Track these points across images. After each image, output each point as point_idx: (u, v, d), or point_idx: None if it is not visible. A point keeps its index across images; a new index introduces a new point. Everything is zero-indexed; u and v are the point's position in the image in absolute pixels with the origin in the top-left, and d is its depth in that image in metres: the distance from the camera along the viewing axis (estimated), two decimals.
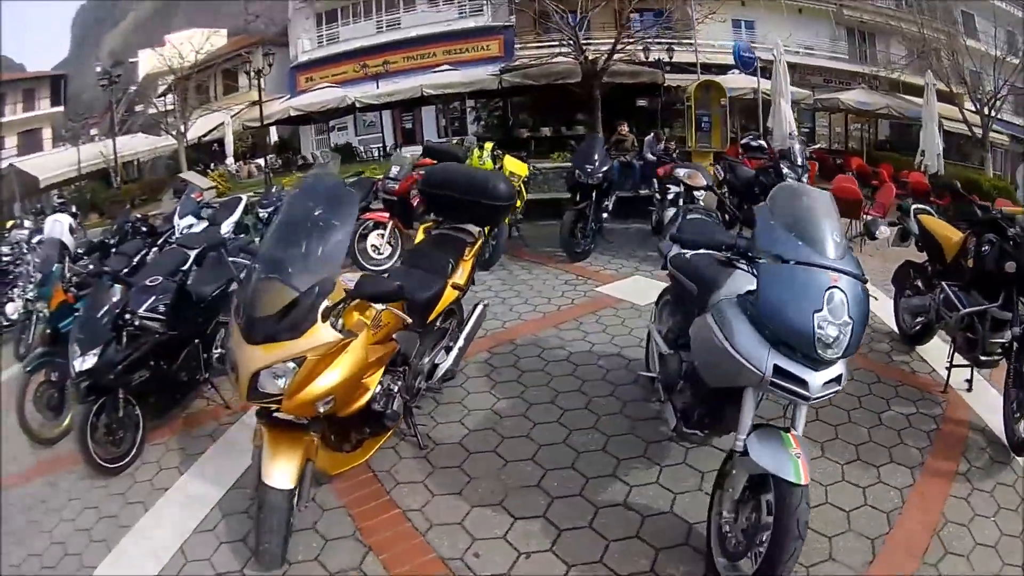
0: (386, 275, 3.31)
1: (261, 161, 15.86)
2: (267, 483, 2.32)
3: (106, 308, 3.33)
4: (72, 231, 6.62)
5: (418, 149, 9.80)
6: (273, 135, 17.23)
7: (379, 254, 6.22)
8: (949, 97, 12.55)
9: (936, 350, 4.03)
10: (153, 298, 3.55)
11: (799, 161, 6.49)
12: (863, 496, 2.81)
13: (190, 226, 5.95)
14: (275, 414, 2.45)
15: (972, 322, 3.43)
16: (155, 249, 5.46)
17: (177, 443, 3.55)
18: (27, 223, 9.59)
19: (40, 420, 3.74)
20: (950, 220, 4.26)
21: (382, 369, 2.71)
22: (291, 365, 2.29)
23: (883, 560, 2.46)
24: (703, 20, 13.66)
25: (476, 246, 3.69)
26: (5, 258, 6.38)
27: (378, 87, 15.28)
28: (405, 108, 16.34)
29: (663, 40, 14.17)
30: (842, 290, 2.04)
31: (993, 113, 12.49)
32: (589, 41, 12.66)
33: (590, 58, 12.25)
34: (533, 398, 3.63)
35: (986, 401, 3.50)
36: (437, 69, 15.39)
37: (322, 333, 2.34)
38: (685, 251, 2.93)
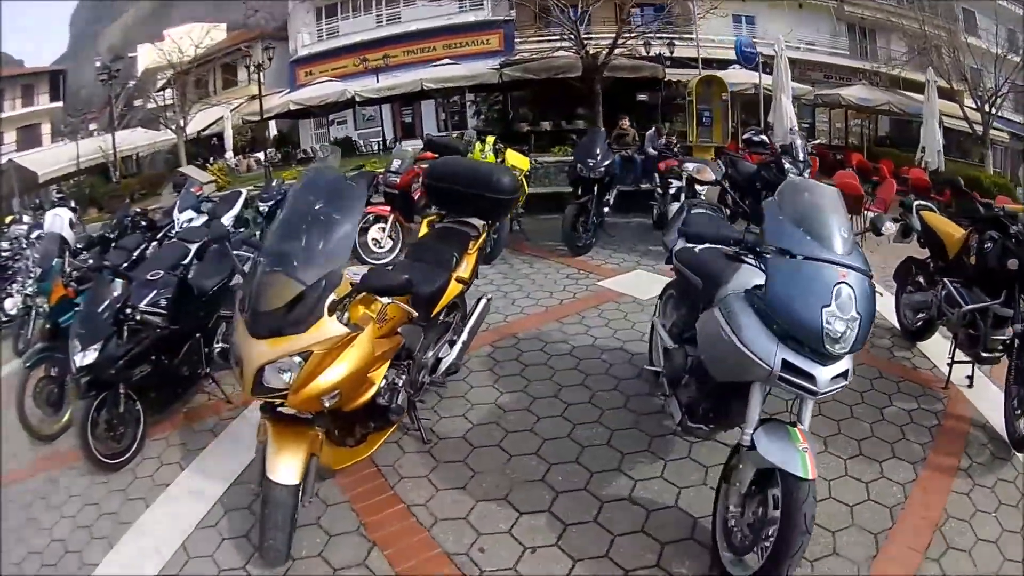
0: (391, 268, 3.30)
1: (261, 155, 15.75)
2: (271, 478, 2.31)
3: (107, 303, 3.30)
4: (72, 226, 6.59)
5: (418, 143, 9.80)
6: (273, 129, 17.13)
7: (380, 248, 6.22)
8: (950, 94, 12.55)
9: (937, 346, 4.04)
10: (154, 292, 3.52)
11: (801, 157, 6.48)
12: (866, 491, 2.82)
13: (190, 220, 5.90)
14: (279, 409, 2.44)
15: (974, 319, 3.44)
16: (155, 243, 5.43)
17: (178, 438, 3.53)
18: (26, 218, 9.50)
19: (40, 416, 3.72)
20: (951, 217, 4.27)
21: (387, 363, 2.69)
22: (297, 359, 2.27)
23: (886, 555, 2.47)
24: (704, 15, 13.58)
25: (480, 239, 3.68)
26: (4, 253, 6.36)
27: (378, 81, 15.18)
28: (405, 102, 16.25)
29: (664, 35, 14.08)
30: (850, 285, 2.04)
31: (993, 111, 12.50)
32: (590, 36, 12.58)
33: (591, 52, 12.18)
34: (537, 392, 3.63)
35: (987, 397, 3.52)
36: (437, 63, 15.30)
37: (329, 327, 2.32)
38: (690, 245, 2.92)
